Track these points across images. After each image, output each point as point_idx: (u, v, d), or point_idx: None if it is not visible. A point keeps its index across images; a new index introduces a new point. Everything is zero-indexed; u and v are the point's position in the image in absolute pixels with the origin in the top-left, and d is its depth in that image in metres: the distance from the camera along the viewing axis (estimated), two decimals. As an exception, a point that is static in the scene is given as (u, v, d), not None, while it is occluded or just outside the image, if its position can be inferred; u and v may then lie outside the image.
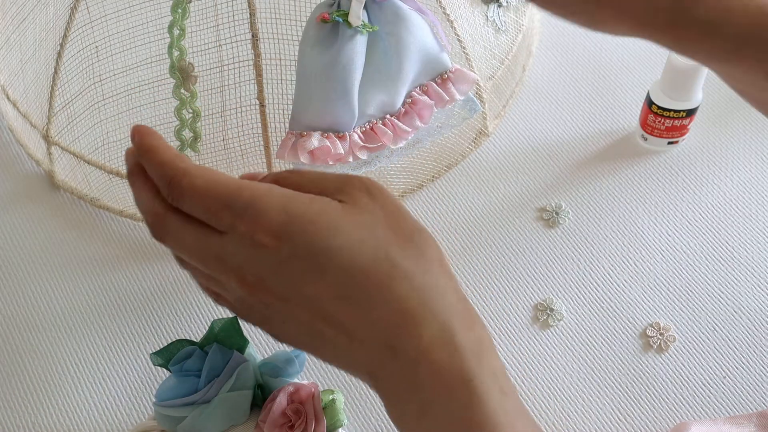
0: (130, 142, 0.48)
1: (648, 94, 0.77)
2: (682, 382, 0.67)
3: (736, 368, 0.68)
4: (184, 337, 0.69)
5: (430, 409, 0.43)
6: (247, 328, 0.70)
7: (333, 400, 0.61)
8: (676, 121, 0.77)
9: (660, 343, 0.69)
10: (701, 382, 0.67)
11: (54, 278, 0.73)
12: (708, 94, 0.82)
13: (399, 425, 0.45)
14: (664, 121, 0.77)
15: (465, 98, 0.70)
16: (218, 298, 0.49)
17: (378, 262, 0.44)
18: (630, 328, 0.70)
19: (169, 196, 0.46)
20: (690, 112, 0.76)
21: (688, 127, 0.78)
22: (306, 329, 0.45)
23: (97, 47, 0.69)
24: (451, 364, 0.43)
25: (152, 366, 0.64)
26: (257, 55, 0.67)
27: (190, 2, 0.65)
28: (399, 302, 0.43)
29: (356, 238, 0.44)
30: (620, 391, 0.66)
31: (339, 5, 0.64)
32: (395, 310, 0.43)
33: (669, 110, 0.76)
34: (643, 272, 0.73)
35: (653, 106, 0.76)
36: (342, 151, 0.66)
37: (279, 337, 0.48)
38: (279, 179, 0.48)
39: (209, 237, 0.45)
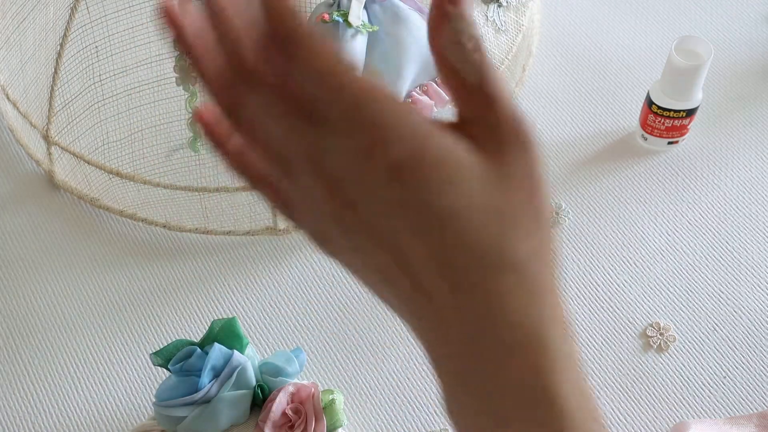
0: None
1: (648, 94, 0.77)
2: (682, 382, 0.67)
3: (736, 368, 0.67)
4: (184, 337, 0.69)
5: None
6: (247, 328, 0.70)
7: (333, 400, 0.61)
8: (676, 121, 0.77)
9: (660, 343, 0.69)
10: (701, 382, 0.67)
11: (54, 278, 0.73)
12: (708, 94, 0.82)
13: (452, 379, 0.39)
14: (664, 121, 0.77)
15: (465, 98, 0.70)
16: (263, 182, 0.39)
17: (493, 250, 0.36)
18: (630, 328, 0.70)
19: (280, 47, 0.34)
20: (690, 112, 0.76)
21: (688, 127, 0.78)
22: (374, 272, 0.38)
23: (97, 47, 0.69)
24: (536, 370, 0.38)
25: (152, 366, 0.64)
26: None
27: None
28: (500, 298, 0.37)
29: (482, 213, 0.36)
30: (620, 391, 0.66)
31: (339, 5, 0.64)
32: (493, 304, 0.37)
33: (669, 110, 0.76)
34: (643, 272, 0.73)
35: (653, 106, 0.76)
36: (342, 151, 0.66)
37: (328, 247, 0.39)
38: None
39: (301, 126, 0.35)
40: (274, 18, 0.34)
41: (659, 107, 0.76)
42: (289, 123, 0.35)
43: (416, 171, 0.35)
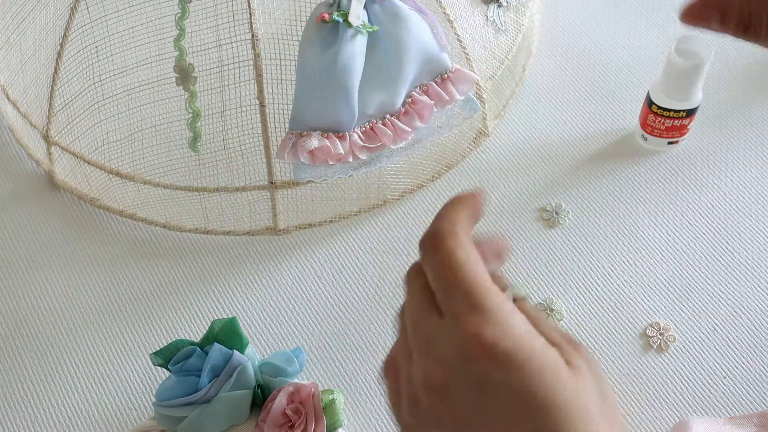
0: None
1: (648, 94, 0.77)
2: (682, 382, 0.67)
3: (736, 368, 0.68)
4: (184, 337, 0.69)
5: None
6: (247, 328, 0.70)
7: (333, 400, 0.61)
8: (676, 121, 0.77)
9: (660, 343, 0.69)
10: (701, 382, 0.67)
11: (54, 278, 0.73)
12: (708, 94, 0.82)
13: None
14: (664, 121, 0.77)
15: (465, 98, 0.70)
16: (390, 370, 0.44)
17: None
18: (630, 328, 0.70)
19: (423, 242, 0.41)
20: (690, 112, 0.76)
21: (688, 127, 0.78)
22: None
23: (97, 47, 0.69)
24: None
25: (152, 366, 0.64)
26: (257, 55, 0.67)
27: (190, 2, 0.65)
28: None
29: (573, 406, 0.38)
30: (620, 391, 0.66)
31: (339, 5, 0.64)
32: None
33: (669, 110, 0.76)
34: (643, 272, 0.73)
35: (653, 106, 0.76)
36: (342, 151, 0.66)
37: None
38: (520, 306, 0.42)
39: (427, 303, 0.41)
40: (439, 216, 0.42)
41: (659, 107, 0.76)
42: (424, 297, 0.41)
43: (520, 362, 0.38)
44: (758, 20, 0.42)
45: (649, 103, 0.76)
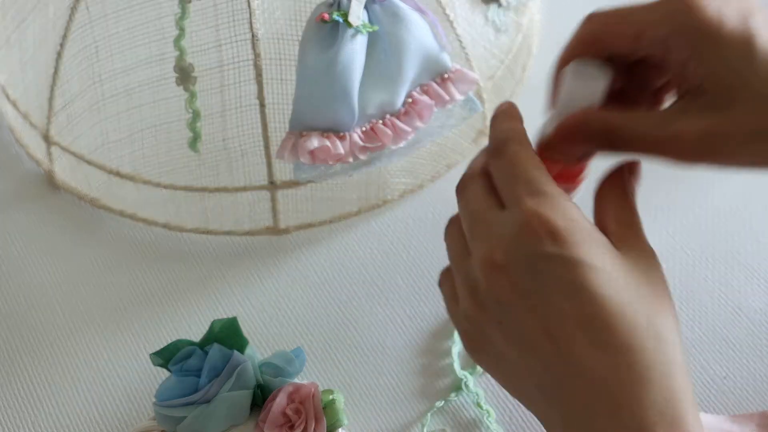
0: None
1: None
2: (682, 382, 0.67)
3: (737, 368, 0.67)
4: (184, 337, 0.69)
5: None
6: (247, 328, 0.70)
7: (333, 400, 0.61)
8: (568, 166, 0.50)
9: (660, 343, 0.68)
10: (701, 382, 0.67)
11: (54, 278, 0.73)
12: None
13: None
14: (550, 166, 0.49)
15: (465, 98, 0.70)
16: (446, 277, 0.47)
17: (634, 311, 0.41)
18: (630, 328, 0.69)
19: (491, 149, 0.46)
20: (582, 157, 0.51)
21: (584, 174, 0.52)
22: (521, 343, 0.42)
23: (97, 47, 0.69)
24: None
25: (152, 366, 0.64)
26: (257, 55, 0.67)
27: (190, 2, 0.65)
28: (639, 358, 0.41)
29: (624, 280, 0.42)
30: (620, 391, 0.66)
31: (339, 5, 0.64)
32: (632, 363, 0.40)
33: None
34: (643, 272, 0.72)
35: (538, 147, 0.50)
36: (342, 151, 0.66)
37: (483, 355, 0.45)
38: None
39: (490, 200, 0.44)
40: (498, 127, 0.47)
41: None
42: (482, 194, 0.45)
43: (573, 236, 0.41)
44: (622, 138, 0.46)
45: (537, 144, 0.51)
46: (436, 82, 0.69)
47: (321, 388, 0.62)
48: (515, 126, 0.47)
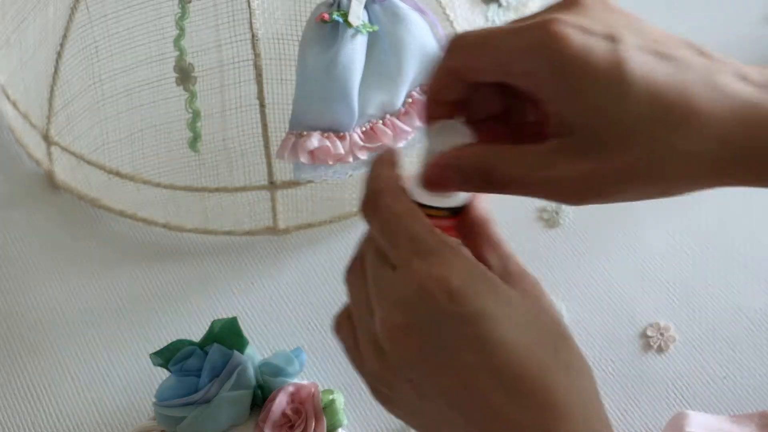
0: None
1: None
2: (682, 382, 0.67)
3: (737, 368, 0.67)
4: (184, 337, 0.69)
5: None
6: (247, 329, 0.70)
7: (333, 400, 0.61)
8: (436, 221, 0.45)
9: (660, 343, 0.69)
10: (701, 382, 0.67)
11: (54, 278, 0.73)
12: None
13: None
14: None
15: (465, 98, 0.70)
16: (344, 325, 0.46)
17: (541, 349, 0.40)
18: (630, 328, 0.70)
19: (363, 208, 0.43)
20: (455, 212, 0.46)
21: (454, 232, 0.47)
22: (437, 398, 0.41)
23: (97, 47, 0.69)
24: None
25: (152, 366, 0.64)
26: (257, 55, 0.67)
27: (189, 2, 0.65)
28: (554, 396, 0.40)
29: (525, 320, 0.41)
30: (620, 391, 0.66)
31: (339, 5, 0.64)
32: (549, 404, 0.40)
33: (426, 207, 0.45)
34: (643, 272, 0.73)
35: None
36: (342, 151, 0.66)
37: (394, 407, 0.45)
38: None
39: (381, 259, 0.42)
40: (369, 178, 0.44)
41: (417, 203, 0.45)
42: (374, 256, 0.43)
43: (468, 289, 0.40)
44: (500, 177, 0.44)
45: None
46: (436, 82, 0.69)
47: (321, 388, 0.62)
48: (387, 174, 0.43)
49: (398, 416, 0.46)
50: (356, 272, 0.44)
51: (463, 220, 0.45)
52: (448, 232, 0.46)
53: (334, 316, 0.46)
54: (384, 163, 0.44)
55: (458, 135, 0.44)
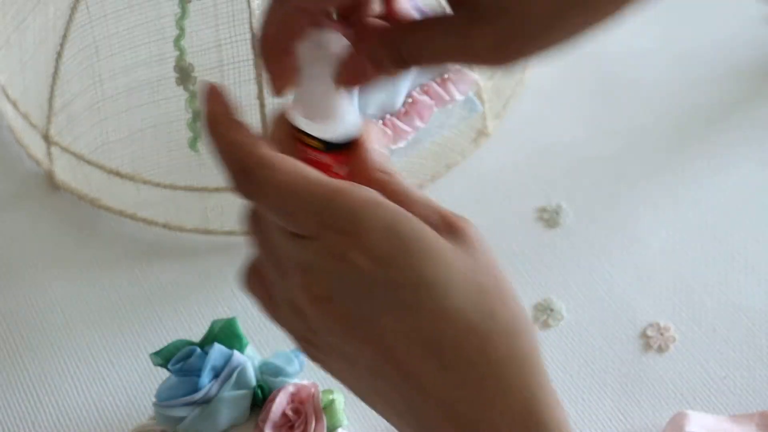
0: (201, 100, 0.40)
1: None
2: (682, 383, 0.67)
3: (737, 368, 0.67)
4: (184, 337, 0.69)
5: None
6: (247, 329, 0.70)
7: (333, 400, 0.61)
8: (312, 154, 0.42)
9: (660, 343, 0.68)
10: (701, 382, 0.67)
11: (54, 278, 0.73)
12: (708, 94, 0.82)
13: None
14: (303, 149, 0.42)
15: (465, 98, 0.70)
16: (258, 292, 0.43)
17: (479, 314, 0.38)
18: (630, 328, 0.70)
19: (241, 189, 0.39)
20: (331, 147, 0.42)
21: (335, 171, 0.42)
22: (365, 369, 0.39)
23: (97, 47, 0.69)
24: None
25: (152, 366, 0.64)
26: (257, 54, 0.67)
27: (190, 2, 0.65)
28: (490, 367, 0.38)
29: (462, 281, 0.38)
30: (620, 391, 0.66)
31: (339, 5, 0.64)
32: (484, 375, 0.38)
33: (301, 133, 0.42)
34: (643, 272, 0.73)
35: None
36: (342, 151, 0.66)
37: (324, 366, 0.42)
38: (378, 183, 0.40)
39: (285, 235, 0.39)
40: (225, 152, 0.39)
41: (296, 129, 0.42)
42: (276, 237, 0.39)
43: (393, 250, 0.37)
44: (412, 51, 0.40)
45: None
46: (436, 82, 0.69)
47: (321, 388, 0.62)
48: (241, 137, 0.39)
49: (333, 376, 0.43)
50: (258, 228, 0.41)
51: (357, 162, 0.41)
52: (328, 170, 0.41)
53: (241, 271, 0.43)
54: (218, 123, 0.39)
55: (333, 43, 0.40)
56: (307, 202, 0.38)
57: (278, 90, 0.42)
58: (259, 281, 0.42)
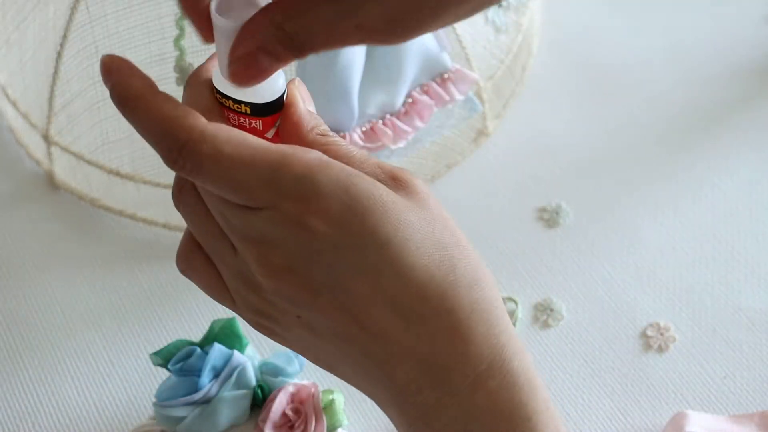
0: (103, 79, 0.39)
1: None
2: (682, 383, 0.67)
3: (737, 368, 0.67)
4: (184, 337, 0.69)
5: None
6: (248, 329, 0.70)
7: (333, 400, 0.61)
8: (243, 120, 0.40)
9: (660, 343, 0.69)
10: (701, 382, 0.67)
11: (54, 278, 0.73)
12: (708, 94, 0.82)
13: None
14: (231, 116, 0.41)
15: (465, 98, 0.70)
16: (199, 273, 0.41)
17: (440, 268, 0.38)
18: (630, 328, 0.70)
19: (181, 167, 0.37)
20: (260, 110, 0.40)
21: (267, 135, 0.40)
22: (331, 335, 0.39)
23: (97, 47, 0.69)
24: (510, 395, 0.38)
25: (152, 366, 0.64)
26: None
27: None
28: (457, 317, 0.38)
29: (420, 235, 0.37)
30: (620, 391, 0.66)
31: (339, 5, 0.64)
32: (451, 326, 0.38)
33: (227, 99, 0.40)
34: (643, 272, 0.73)
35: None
36: (342, 151, 0.66)
37: (282, 339, 0.42)
38: (316, 144, 0.39)
39: (232, 209, 0.37)
40: (155, 130, 0.38)
41: (219, 92, 0.41)
42: (220, 211, 0.38)
43: (349, 213, 0.36)
44: None
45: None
46: (436, 82, 0.69)
47: (321, 388, 0.62)
48: (166, 111, 0.38)
49: (293, 348, 0.42)
50: (194, 205, 0.39)
51: (288, 123, 0.40)
52: (270, 129, 0.39)
53: (178, 253, 0.41)
54: (138, 98, 0.38)
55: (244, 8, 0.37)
56: (255, 171, 0.36)
57: (207, 39, 0.39)
58: (199, 261, 0.41)
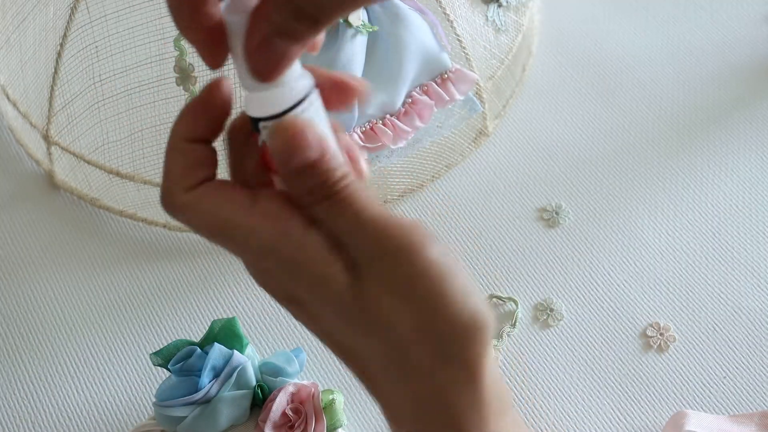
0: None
1: None
2: (682, 383, 0.67)
3: (736, 368, 0.67)
4: (184, 337, 0.69)
5: None
6: (247, 329, 0.70)
7: (333, 400, 0.61)
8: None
9: (660, 343, 0.69)
10: (701, 382, 0.67)
11: (54, 278, 0.73)
12: (708, 94, 0.82)
13: None
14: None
15: (465, 98, 0.70)
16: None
17: (473, 318, 0.38)
18: (630, 328, 0.70)
19: (322, 208, 0.37)
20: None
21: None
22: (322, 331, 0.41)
23: (97, 47, 0.69)
24: None
25: (152, 366, 0.64)
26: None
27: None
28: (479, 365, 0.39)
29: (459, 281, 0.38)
30: (620, 391, 0.66)
31: (339, 5, 0.64)
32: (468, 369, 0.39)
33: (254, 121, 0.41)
34: (643, 272, 0.73)
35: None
36: (342, 151, 0.66)
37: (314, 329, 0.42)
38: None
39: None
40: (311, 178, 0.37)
41: (251, 120, 0.42)
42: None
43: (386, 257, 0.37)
44: None
45: None
46: (436, 82, 0.69)
47: (321, 388, 0.62)
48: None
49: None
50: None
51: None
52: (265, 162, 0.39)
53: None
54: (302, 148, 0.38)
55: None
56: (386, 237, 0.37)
57: (212, 61, 0.39)
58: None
